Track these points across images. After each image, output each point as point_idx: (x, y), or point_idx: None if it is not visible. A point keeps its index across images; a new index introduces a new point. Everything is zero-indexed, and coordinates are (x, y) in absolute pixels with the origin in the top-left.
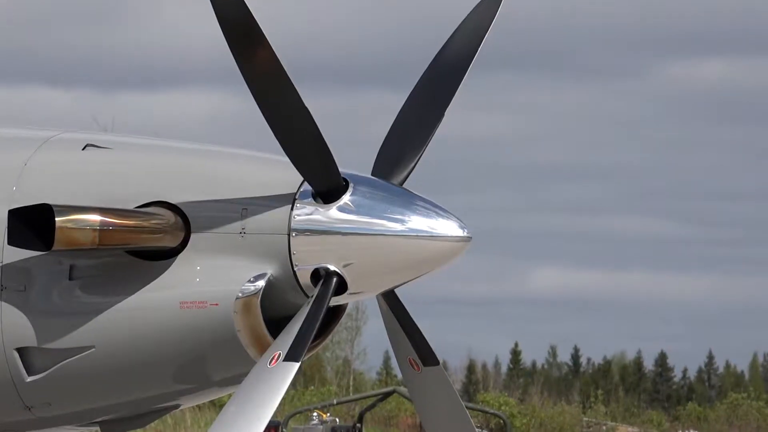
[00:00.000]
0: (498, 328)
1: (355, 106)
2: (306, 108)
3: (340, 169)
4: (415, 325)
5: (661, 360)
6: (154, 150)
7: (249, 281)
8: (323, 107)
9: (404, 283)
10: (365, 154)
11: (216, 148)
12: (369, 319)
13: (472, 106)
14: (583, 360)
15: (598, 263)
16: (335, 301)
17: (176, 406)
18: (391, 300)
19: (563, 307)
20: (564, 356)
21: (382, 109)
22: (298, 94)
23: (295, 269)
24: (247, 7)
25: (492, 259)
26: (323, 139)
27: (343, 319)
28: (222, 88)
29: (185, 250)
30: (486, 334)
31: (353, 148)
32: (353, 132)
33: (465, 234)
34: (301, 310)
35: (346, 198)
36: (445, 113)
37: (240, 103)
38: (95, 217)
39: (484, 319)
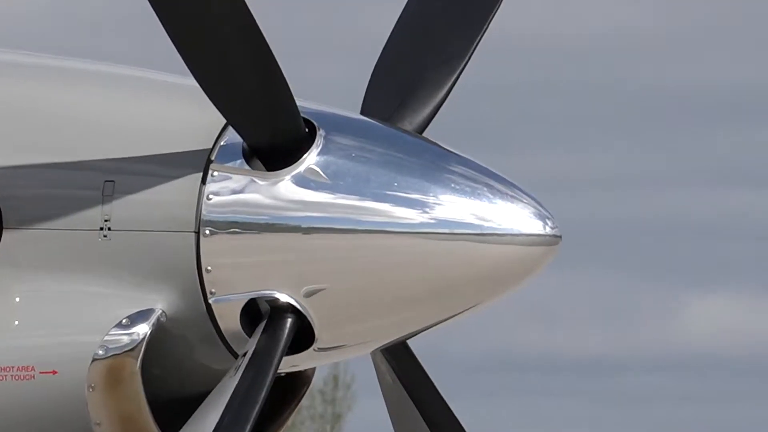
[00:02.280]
0: (615, 415)
1: None
2: None
3: (300, 104)
4: (447, 411)
5: None
6: None
7: (119, 326)
8: None
9: (426, 327)
10: (352, 76)
11: (57, 63)
12: (358, 399)
13: None
14: None
15: None
16: (290, 363)
17: None
18: (401, 363)
19: (746, 376)
20: None
21: None
22: None
23: (211, 301)
24: None
25: (600, 280)
26: (265, 42)
27: (307, 400)
28: None
29: None
30: (594, 429)
31: (328, 61)
32: (330, 32)
33: (548, 230)
34: (222, 383)
35: (310, 159)
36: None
37: None
38: None
39: (589, 400)
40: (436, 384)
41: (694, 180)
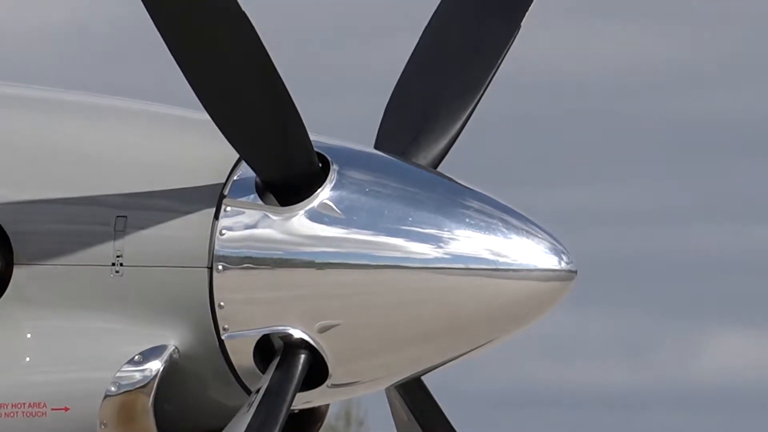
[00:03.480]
0: None
1: (350, 14)
2: (246, 17)
3: (313, 138)
4: None
5: None
6: None
7: (131, 362)
8: (290, 17)
9: (441, 363)
10: (366, 110)
11: (68, 97)
12: None
13: (585, 10)
14: None
15: None
16: (304, 399)
17: None
18: (415, 399)
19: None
20: None
21: (400, 21)
22: None
23: (224, 337)
24: None
25: (622, 315)
26: (279, 77)
27: None
28: None
29: (2, 299)
30: None
31: (342, 95)
32: (343, 65)
33: (563, 265)
34: (235, 419)
35: (323, 194)
36: (521, 24)
37: (120, 7)
38: None
39: None
40: (451, 421)
41: (718, 215)
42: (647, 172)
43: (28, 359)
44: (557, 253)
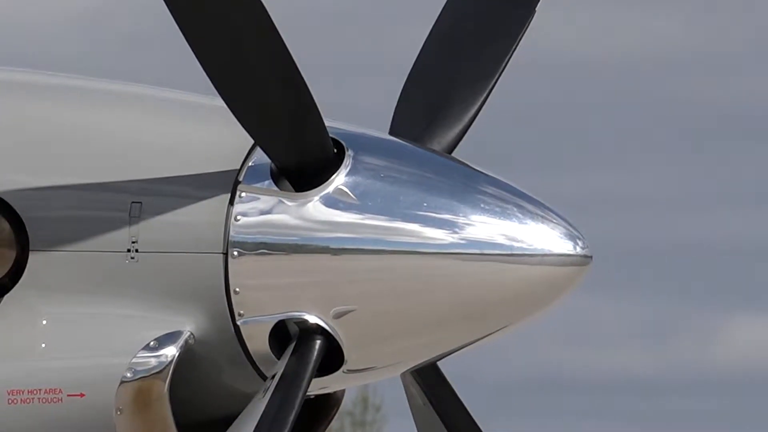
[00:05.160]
0: None
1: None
2: (260, 3)
3: (328, 124)
4: None
5: None
6: None
7: (146, 348)
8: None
9: (457, 349)
10: (381, 96)
11: (83, 83)
12: (388, 422)
13: None
14: None
15: None
16: (319, 385)
17: None
18: (431, 385)
19: None
20: None
21: (414, 7)
22: None
23: (240, 323)
24: None
25: (642, 300)
26: (294, 63)
27: (336, 422)
28: None
29: (18, 285)
30: None
31: (357, 81)
32: (358, 51)
33: (579, 251)
34: (251, 405)
35: (338, 179)
36: (536, 9)
37: None
38: None
39: (629, 421)
40: (467, 406)
41: (735, 200)
42: (669, 157)
43: (43, 345)
44: (572, 238)
